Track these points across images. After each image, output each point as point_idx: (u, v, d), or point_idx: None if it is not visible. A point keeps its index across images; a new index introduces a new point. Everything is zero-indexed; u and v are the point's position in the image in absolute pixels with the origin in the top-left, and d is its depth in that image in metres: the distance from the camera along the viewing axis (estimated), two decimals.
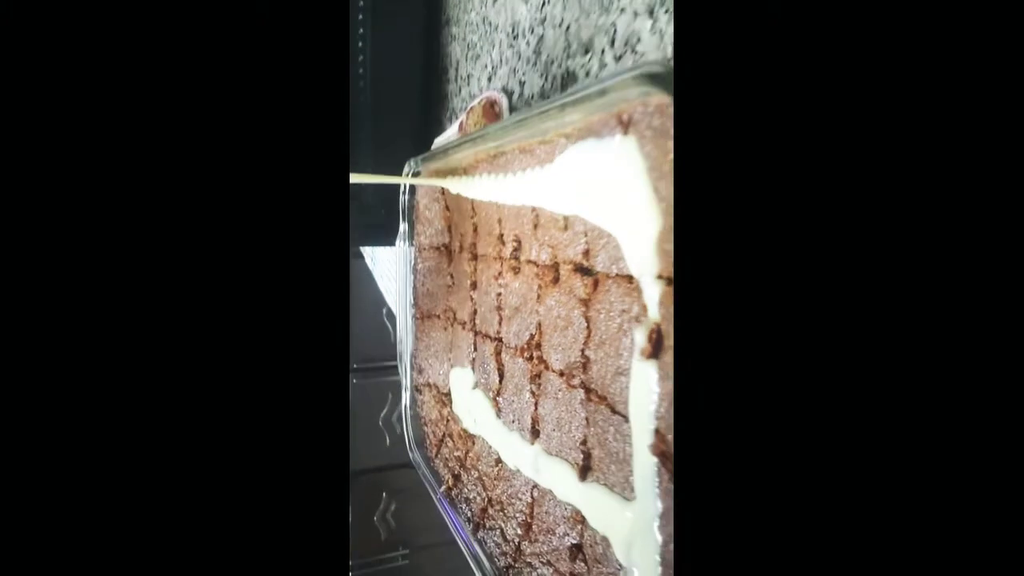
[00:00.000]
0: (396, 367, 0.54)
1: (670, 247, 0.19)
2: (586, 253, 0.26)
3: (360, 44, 0.60)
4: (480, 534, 0.36)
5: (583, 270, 0.27)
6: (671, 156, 0.19)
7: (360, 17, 0.61)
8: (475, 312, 0.41)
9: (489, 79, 0.52)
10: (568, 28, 0.38)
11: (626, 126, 0.21)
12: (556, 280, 0.30)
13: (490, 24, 0.52)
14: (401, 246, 0.52)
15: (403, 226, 0.51)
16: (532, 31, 0.44)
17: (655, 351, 0.21)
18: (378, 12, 0.61)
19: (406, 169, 0.49)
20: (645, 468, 0.21)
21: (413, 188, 0.49)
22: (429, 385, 0.49)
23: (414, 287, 0.52)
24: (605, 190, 0.24)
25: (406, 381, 0.53)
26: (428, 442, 0.49)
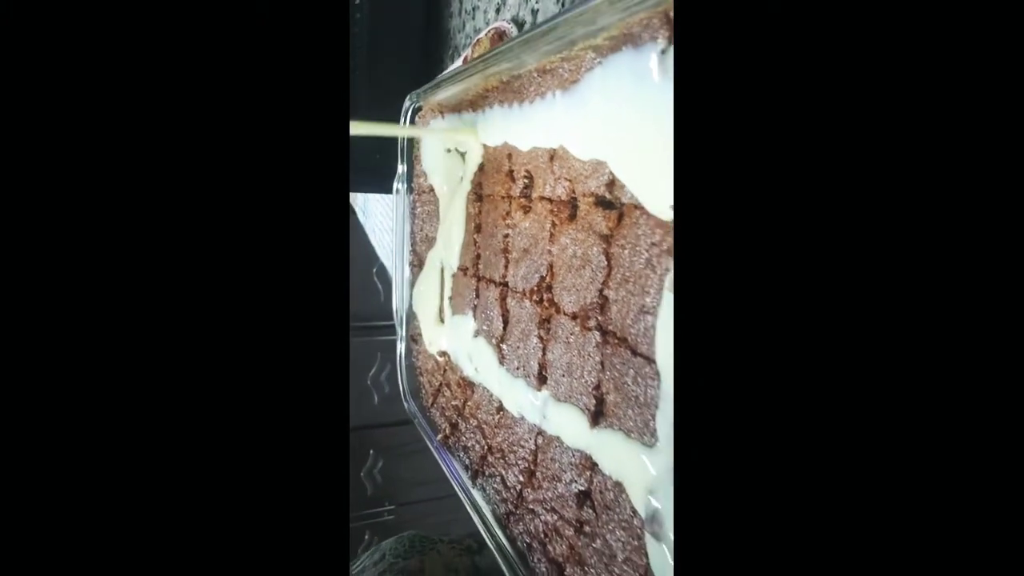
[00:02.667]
0: (386, 327, 0.52)
1: None
2: (610, 184, 0.24)
3: None
4: (479, 481, 0.35)
5: (605, 203, 0.25)
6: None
7: None
8: (478, 257, 0.38)
9: (497, 10, 0.48)
10: None
11: (673, 27, 0.18)
12: (573, 216, 0.28)
13: None
14: (398, 189, 0.49)
15: (401, 168, 0.48)
16: None
17: None
18: None
19: (406, 104, 0.46)
20: (671, 409, 0.20)
21: (414, 125, 0.46)
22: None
23: (411, 232, 0.50)
24: (640, 113, 0.21)
25: (401, 331, 0.51)
26: (424, 391, 0.47)
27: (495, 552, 0.30)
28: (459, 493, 0.36)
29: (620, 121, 0.23)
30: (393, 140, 0.49)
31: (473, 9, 0.53)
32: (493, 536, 0.31)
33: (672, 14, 0.18)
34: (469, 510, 0.33)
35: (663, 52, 0.19)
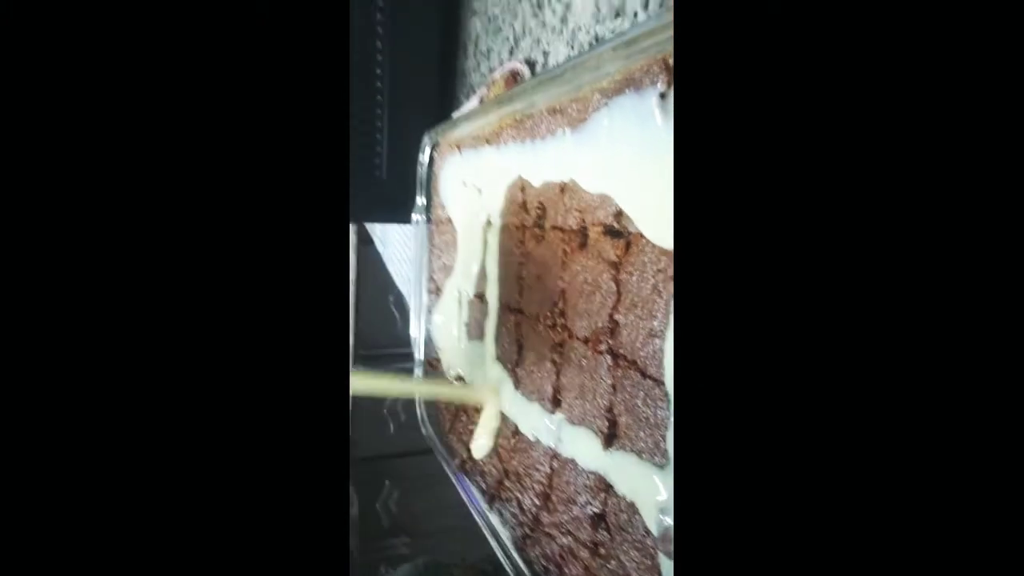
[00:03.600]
0: (402, 355, 0.53)
1: None
2: (618, 215, 0.26)
3: (379, 15, 0.59)
4: (496, 505, 0.35)
5: (614, 232, 0.26)
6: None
7: None
8: (494, 284, 0.40)
9: (511, 51, 0.51)
10: None
11: (672, 72, 0.20)
12: (583, 245, 0.29)
13: None
14: (417, 220, 0.52)
15: (420, 199, 0.51)
16: None
17: None
18: None
19: (425, 140, 0.49)
20: None
21: (432, 160, 0.49)
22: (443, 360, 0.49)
23: (429, 261, 0.52)
24: (641, 151, 0.23)
25: (419, 356, 0.52)
26: (441, 417, 0.48)
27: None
28: (476, 518, 0.36)
29: (624, 158, 0.24)
30: (412, 173, 0.51)
31: (488, 51, 0.56)
32: (510, 559, 0.31)
33: (671, 61, 0.20)
34: (486, 534, 0.34)
35: (662, 96, 0.21)
